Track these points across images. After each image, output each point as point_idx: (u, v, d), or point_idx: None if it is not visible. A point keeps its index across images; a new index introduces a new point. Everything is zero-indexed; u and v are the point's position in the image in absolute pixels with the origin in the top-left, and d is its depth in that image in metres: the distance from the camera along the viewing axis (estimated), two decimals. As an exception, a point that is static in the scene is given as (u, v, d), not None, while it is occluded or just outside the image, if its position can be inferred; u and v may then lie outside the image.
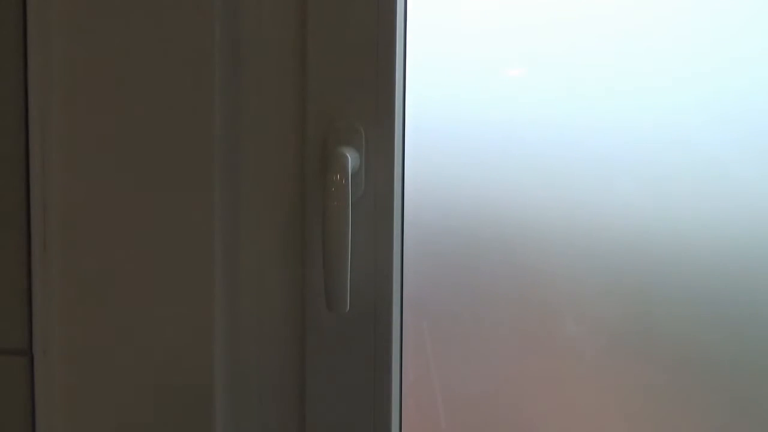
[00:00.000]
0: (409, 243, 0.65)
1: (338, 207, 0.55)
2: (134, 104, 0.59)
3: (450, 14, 0.67)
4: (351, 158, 0.57)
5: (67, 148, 0.60)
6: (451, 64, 0.67)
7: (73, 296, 0.61)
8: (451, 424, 0.73)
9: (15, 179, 0.59)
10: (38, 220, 0.59)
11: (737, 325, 0.66)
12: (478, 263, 0.66)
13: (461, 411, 0.73)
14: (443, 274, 0.67)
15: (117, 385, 0.62)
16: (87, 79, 0.59)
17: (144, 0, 0.58)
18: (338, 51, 0.60)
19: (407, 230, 0.64)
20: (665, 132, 0.66)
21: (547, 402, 0.71)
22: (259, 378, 0.65)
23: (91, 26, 0.59)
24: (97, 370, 0.61)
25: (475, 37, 0.67)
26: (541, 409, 0.72)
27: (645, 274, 0.66)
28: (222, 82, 0.59)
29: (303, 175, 0.62)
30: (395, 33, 0.60)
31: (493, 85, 0.67)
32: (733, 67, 0.64)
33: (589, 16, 0.66)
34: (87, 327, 0.61)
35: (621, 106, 0.66)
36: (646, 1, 0.65)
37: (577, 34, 0.66)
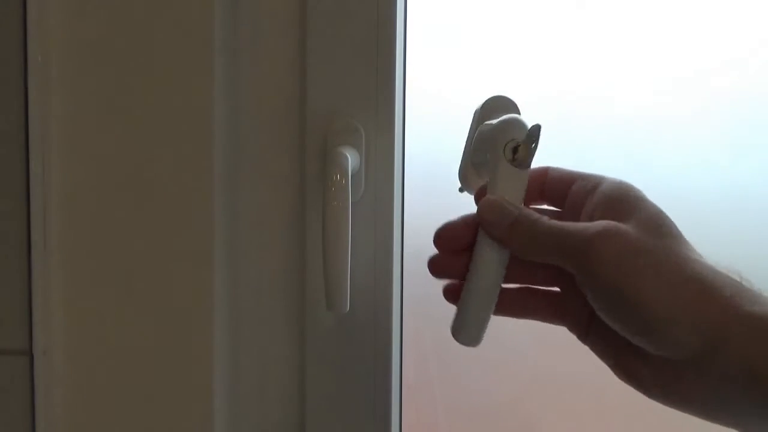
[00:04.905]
0: (409, 243, 0.65)
1: (338, 207, 0.54)
2: (134, 103, 0.59)
3: (450, 14, 0.67)
4: (351, 158, 0.57)
5: (68, 148, 0.60)
6: (451, 65, 0.67)
7: (73, 296, 0.61)
8: (451, 425, 0.73)
9: (15, 178, 0.59)
10: (38, 220, 0.59)
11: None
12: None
13: (461, 412, 0.73)
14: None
15: (117, 386, 0.62)
16: (87, 76, 0.59)
17: None
18: (338, 51, 0.60)
19: (407, 230, 0.64)
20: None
21: (549, 404, 0.71)
22: (259, 378, 0.65)
23: (91, 21, 0.59)
24: (97, 370, 0.61)
25: (476, 36, 0.67)
26: (542, 410, 0.72)
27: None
28: (222, 82, 0.59)
29: (303, 175, 0.62)
30: (395, 33, 0.60)
31: (494, 86, 0.67)
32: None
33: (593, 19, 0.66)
34: (87, 327, 0.61)
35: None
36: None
37: (581, 34, 0.66)
